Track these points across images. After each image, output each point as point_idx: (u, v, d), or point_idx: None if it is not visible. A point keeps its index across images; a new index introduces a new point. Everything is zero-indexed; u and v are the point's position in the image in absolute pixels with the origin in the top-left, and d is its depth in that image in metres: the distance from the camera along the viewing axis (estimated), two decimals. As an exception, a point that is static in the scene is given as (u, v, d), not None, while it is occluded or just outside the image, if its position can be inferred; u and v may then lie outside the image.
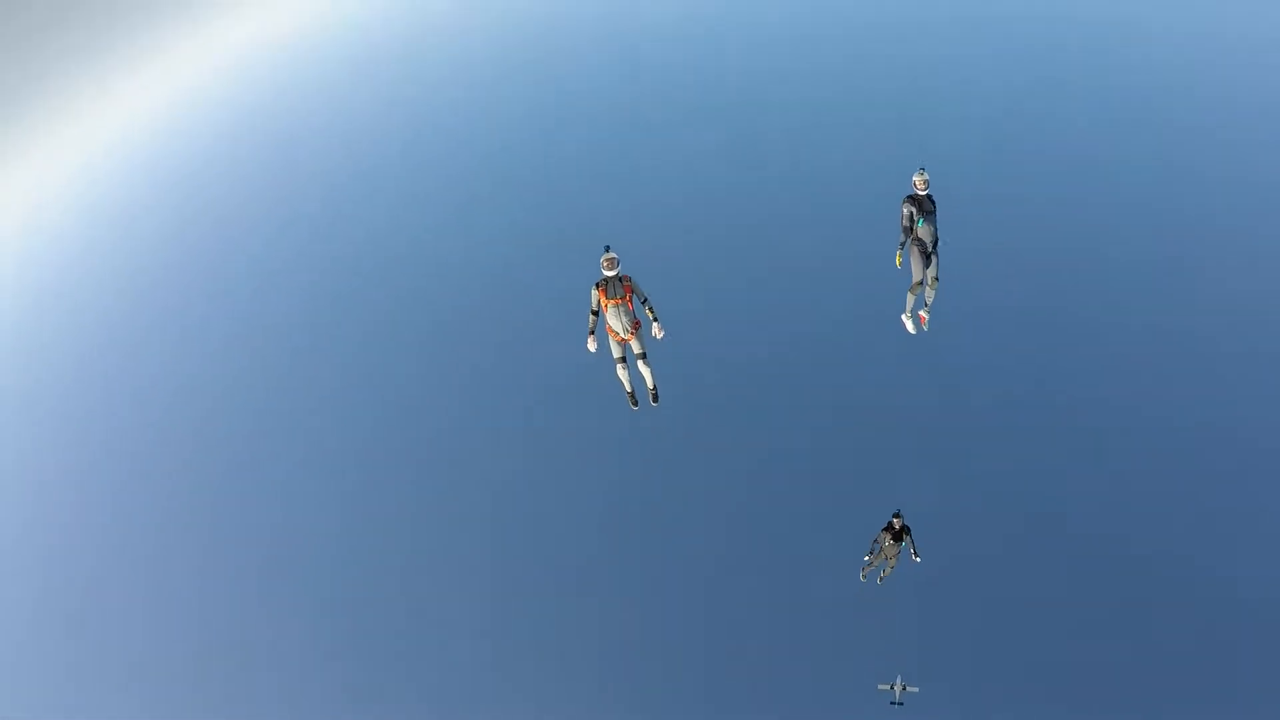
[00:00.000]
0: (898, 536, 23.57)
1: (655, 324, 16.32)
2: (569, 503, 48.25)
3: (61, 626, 46.96)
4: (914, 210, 16.57)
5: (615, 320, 16.25)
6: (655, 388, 18.12)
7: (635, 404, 18.64)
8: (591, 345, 16.37)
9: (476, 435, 49.73)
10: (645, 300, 16.08)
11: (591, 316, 16.16)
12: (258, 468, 52.18)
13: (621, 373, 17.49)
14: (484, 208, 62.40)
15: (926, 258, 17.18)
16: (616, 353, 16.99)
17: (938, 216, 16.85)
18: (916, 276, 17.44)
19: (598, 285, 15.99)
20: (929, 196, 16.69)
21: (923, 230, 16.77)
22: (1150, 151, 63.09)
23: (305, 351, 55.45)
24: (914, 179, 16.52)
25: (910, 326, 18.78)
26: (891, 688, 27.63)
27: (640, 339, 16.89)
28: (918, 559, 23.63)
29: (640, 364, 17.33)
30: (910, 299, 18.12)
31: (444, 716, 41.82)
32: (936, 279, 17.66)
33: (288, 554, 47.47)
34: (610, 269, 15.86)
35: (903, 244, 17.06)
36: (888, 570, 23.20)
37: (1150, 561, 44.97)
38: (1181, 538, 45.01)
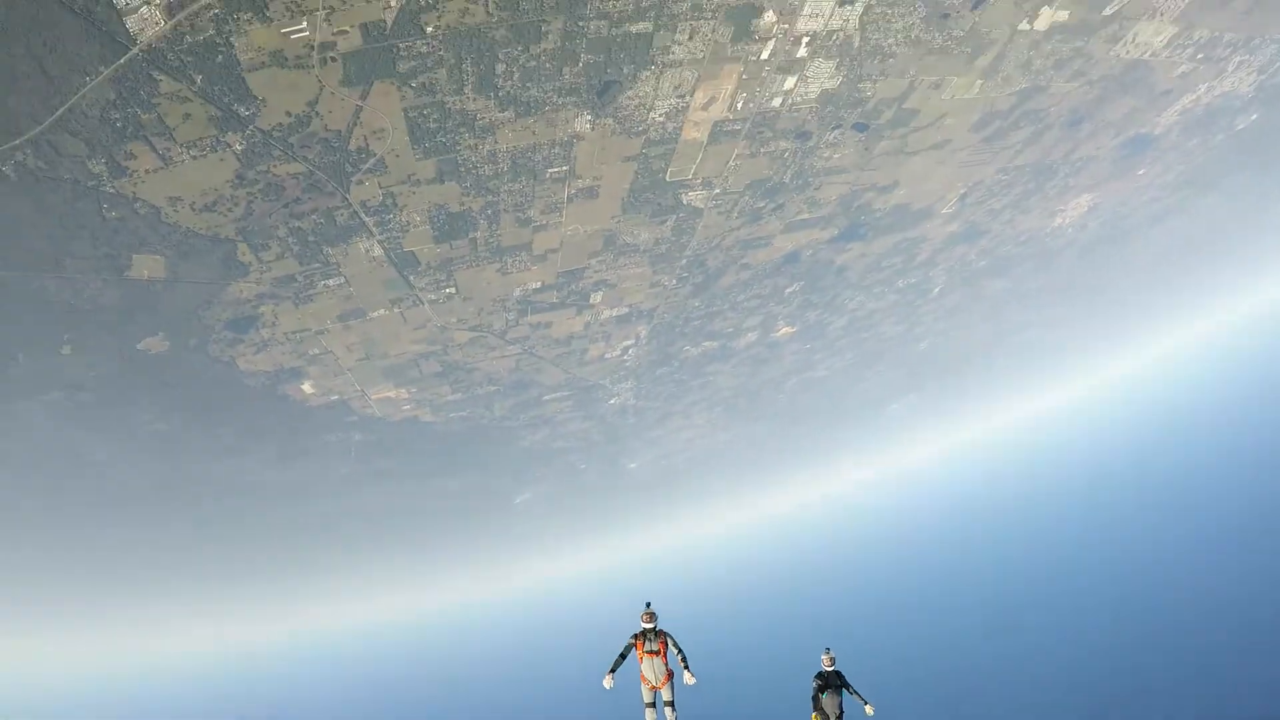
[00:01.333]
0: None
1: (687, 672, 18.43)
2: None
3: None
4: (820, 684, 20.04)
5: (649, 670, 18.51)
6: None
7: None
8: (608, 683, 17.75)
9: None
10: (680, 652, 18.32)
11: (619, 659, 17.95)
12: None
13: (649, 715, 18.94)
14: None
15: None
16: (647, 698, 18.86)
17: (850, 687, 20.04)
18: None
19: (636, 636, 18.35)
20: (836, 672, 20.12)
21: (827, 701, 20.05)
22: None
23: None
24: (822, 658, 20.24)
25: None
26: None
27: (670, 688, 18.79)
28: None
29: (667, 711, 18.88)
30: None
31: None
32: None
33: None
34: (648, 622, 18.37)
35: (815, 708, 20.15)
36: None
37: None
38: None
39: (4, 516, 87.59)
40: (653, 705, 18.92)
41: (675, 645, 18.39)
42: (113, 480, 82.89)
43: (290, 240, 51.82)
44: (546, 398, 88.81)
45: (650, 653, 18.38)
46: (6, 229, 42.64)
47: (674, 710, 18.98)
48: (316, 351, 65.73)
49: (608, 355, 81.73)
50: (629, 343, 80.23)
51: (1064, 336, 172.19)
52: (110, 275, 48.83)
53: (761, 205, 65.37)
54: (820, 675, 20.21)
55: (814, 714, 20.33)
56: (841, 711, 20.02)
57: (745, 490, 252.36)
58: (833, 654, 20.22)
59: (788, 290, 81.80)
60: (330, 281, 57.17)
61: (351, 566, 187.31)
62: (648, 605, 18.64)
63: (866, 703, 19.93)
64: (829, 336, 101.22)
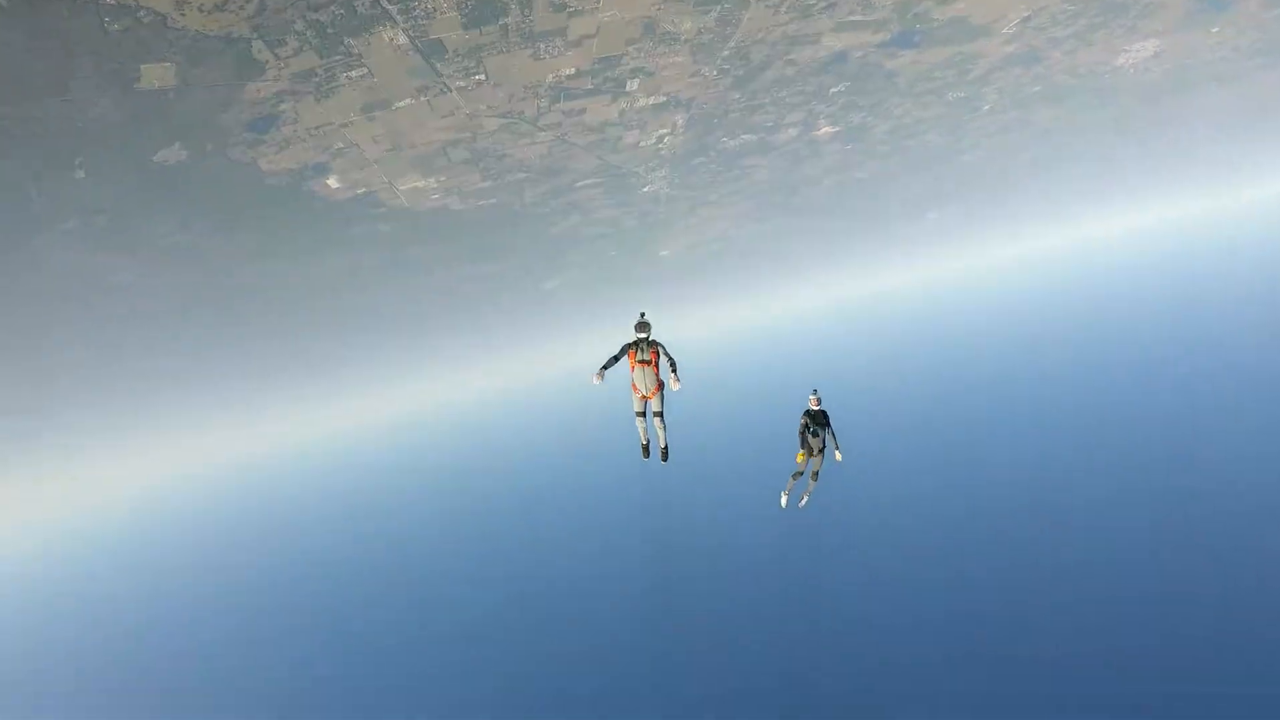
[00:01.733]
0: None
1: (674, 376, 18.27)
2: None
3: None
4: (806, 421, 22.01)
5: (640, 379, 18.55)
6: (666, 447, 19.87)
7: (647, 455, 20.12)
8: (595, 380, 17.77)
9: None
10: (671, 361, 18.20)
11: (612, 360, 17.89)
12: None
13: (639, 425, 19.51)
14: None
15: (811, 456, 22.32)
16: (638, 407, 19.22)
17: (831, 429, 22.16)
18: (799, 468, 22.67)
19: (629, 346, 18.33)
20: (821, 411, 21.97)
21: (814, 439, 22.05)
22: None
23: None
24: (809, 398, 22.01)
25: (784, 501, 23.75)
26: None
27: (661, 399, 18.98)
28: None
29: (656, 421, 19.37)
30: (790, 482, 23.32)
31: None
32: (816, 475, 22.94)
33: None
34: (641, 332, 18.31)
35: (801, 444, 22.04)
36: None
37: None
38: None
39: (34, 350, 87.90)
40: (642, 415, 19.35)
41: (667, 355, 18.23)
42: (139, 300, 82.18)
43: (308, 34, 47.32)
44: (578, 184, 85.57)
45: (642, 362, 18.35)
46: (2, 58, 38.59)
47: (663, 422, 19.42)
48: (341, 145, 62.37)
49: (642, 143, 77.81)
50: (665, 131, 76.14)
51: (1110, 172, 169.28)
52: (118, 90, 44.92)
53: (812, 2, 59.92)
54: (807, 413, 22.20)
55: (800, 451, 22.36)
56: (823, 447, 22.40)
57: (778, 283, 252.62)
58: (819, 395, 22.10)
59: (832, 90, 77.03)
60: (353, 73, 52.95)
61: (382, 358, 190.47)
62: (641, 315, 18.50)
63: (837, 448, 22.41)
64: (872, 140, 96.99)
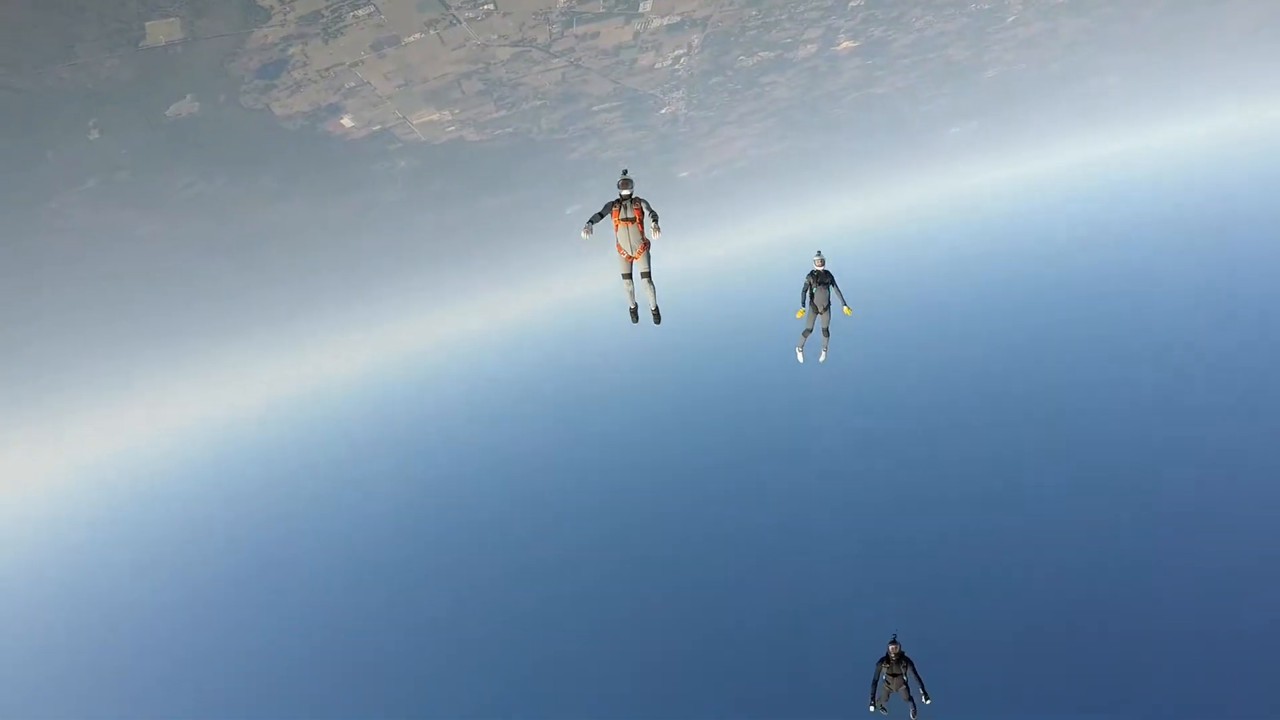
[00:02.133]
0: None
1: (654, 226, 17.81)
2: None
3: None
4: (810, 281, 22.46)
5: (625, 240, 18.14)
6: (657, 309, 19.78)
7: (636, 319, 20.19)
8: (584, 235, 17.62)
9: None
10: (654, 215, 17.73)
11: (598, 216, 17.48)
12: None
13: (626, 287, 19.11)
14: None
15: (818, 314, 22.89)
16: (624, 269, 18.80)
17: (836, 286, 22.63)
18: (807, 326, 23.24)
19: (612, 204, 17.80)
20: (825, 271, 22.45)
21: (817, 295, 22.55)
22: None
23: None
24: (813, 258, 22.48)
25: (800, 357, 24.41)
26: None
27: (647, 259, 18.64)
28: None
29: (644, 282, 18.92)
30: (802, 339, 23.75)
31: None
32: (827, 330, 23.50)
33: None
34: (624, 189, 17.73)
35: (803, 302, 22.70)
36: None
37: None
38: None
39: (59, 305, 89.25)
40: (629, 276, 19.02)
41: (649, 210, 17.98)
42: (162, 252, 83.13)
43: (312, -26, 46.71)
44: (595, 109, 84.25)
45: (626, 220, 17.99)
46: (7, 33, 38.53)
47: (651, 282, 19.16)
48: (353, 84, 61.83)
49: (658, 65, 76.19)
50: (681, 52, 74.41)
51: (1137, 87, 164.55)
52: (125, 49, 44.75)
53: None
54: (812, 274, 22.45)
55: (801, 308, 22.83)
56: (829, 304, 22.74)
57: (798, 203, 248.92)
58: (823, 256, 22.49)
59: (852, 3, 74.35)
60: (359, 11, 52.11)
61: (403, 296, 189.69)
62: (624, 172, 18.11)
63: (845, 304, 22.73)
64: (892, 54, 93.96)
